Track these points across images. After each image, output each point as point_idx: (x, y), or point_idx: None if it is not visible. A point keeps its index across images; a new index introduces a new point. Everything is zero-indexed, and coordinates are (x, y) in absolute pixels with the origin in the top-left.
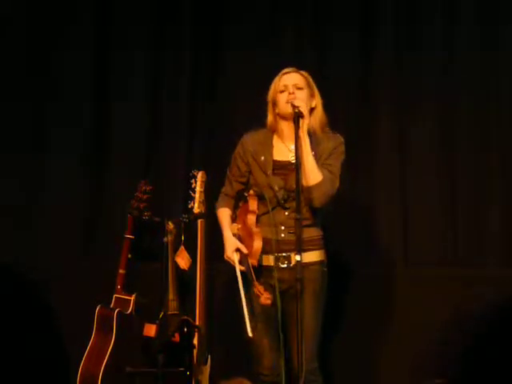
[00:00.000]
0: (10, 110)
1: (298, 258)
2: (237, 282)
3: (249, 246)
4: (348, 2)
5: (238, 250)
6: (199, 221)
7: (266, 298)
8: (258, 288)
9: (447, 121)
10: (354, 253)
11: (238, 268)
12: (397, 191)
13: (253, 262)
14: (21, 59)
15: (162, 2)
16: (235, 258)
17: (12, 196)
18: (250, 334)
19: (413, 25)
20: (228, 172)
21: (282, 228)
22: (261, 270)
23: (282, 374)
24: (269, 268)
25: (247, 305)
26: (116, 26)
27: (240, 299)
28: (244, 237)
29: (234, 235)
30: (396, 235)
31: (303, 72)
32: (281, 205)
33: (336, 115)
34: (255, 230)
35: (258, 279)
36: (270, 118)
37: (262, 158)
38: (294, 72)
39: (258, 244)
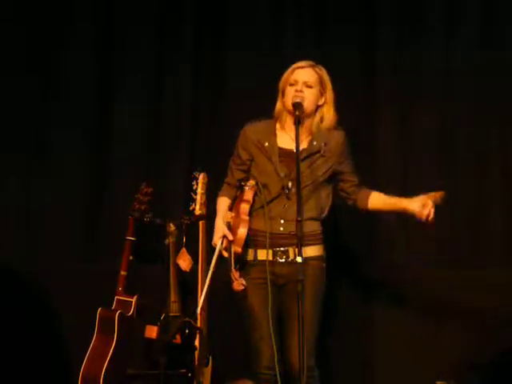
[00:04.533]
0: (10, 109)
1: (299, 259)
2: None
3: (235, 234)
4: (349, 0)
5: (224, 236)
6: (200, 222)
7: (238, 284)
8: (234, 274)
9: (448, 121)
10: (355, 253)
11: (218, 251)
12: (398, 191)
13: (236, 249)
14: (21, 59)
15: (163, 2)
16: (219, 243)
17: (13, 196)
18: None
19: (414, 23)
20: (231, 162)
21: (282, 221)
22: (245, 261)
23: (276, 370)
24: (264, 262)
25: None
26: (117, 25)
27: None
28: (234, 225)
29: (227, 223)
30: (397, 235)
31: (318, 68)
32: (285, 194)
33: (337, 115)
34: (244, 217)
35: (235, 267)
36: (278, 105)
37: (266, 143)
38: (308, 67)
39: (242, 231)
